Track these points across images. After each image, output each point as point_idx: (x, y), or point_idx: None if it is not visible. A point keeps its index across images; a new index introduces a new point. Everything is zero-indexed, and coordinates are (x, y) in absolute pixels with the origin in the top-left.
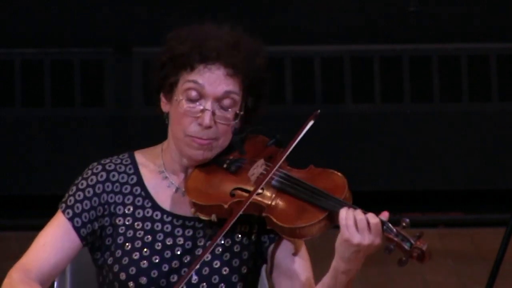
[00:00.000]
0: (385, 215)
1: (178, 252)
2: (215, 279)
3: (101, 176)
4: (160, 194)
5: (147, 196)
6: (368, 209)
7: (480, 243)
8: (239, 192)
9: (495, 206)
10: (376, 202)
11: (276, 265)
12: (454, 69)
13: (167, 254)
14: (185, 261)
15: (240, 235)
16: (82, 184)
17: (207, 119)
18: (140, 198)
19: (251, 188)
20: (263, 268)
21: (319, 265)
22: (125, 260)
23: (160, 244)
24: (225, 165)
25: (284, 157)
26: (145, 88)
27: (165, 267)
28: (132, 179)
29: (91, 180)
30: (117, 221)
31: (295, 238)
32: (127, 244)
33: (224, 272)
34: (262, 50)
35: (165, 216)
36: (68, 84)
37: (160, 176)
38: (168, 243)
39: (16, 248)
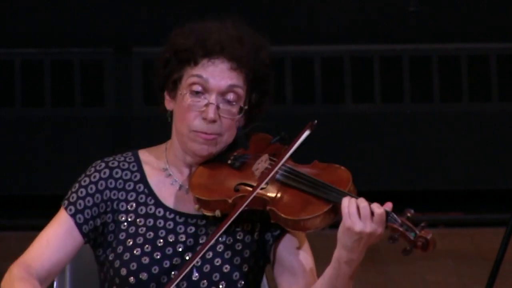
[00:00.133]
0: (388, 206)
1: (180, 249)
2: (216, 276)
3: (104, 173)
4: (163, 191)
5: (150, 193)
6: None
7: (480, 243)
8: (243, 187)
9: (495, 206)
10: (376, 202)
11: (280, 262)
12: (454, 69)
13: (169, 250)
14: (186, 258)
15: (242, 233)
16: (85, 181)
17: (211, 112)
18: (143, 195)
19: (255, 183)
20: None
21: (319, 265)
22: (126, 256)
23: (162, 240)
24: (229, 161)
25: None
26: (145, 88)
27: (166, 264)
28: (135, 176)
29: (94, 177)
30: (119, 217)
31: (299, 231)
32: (128, 240)
33: (225, 270)
34: (266, 45)
35: (167, 213)
36: (68, 84)
37: (163, 173)
38: (170, 240)
39: (16, 248)
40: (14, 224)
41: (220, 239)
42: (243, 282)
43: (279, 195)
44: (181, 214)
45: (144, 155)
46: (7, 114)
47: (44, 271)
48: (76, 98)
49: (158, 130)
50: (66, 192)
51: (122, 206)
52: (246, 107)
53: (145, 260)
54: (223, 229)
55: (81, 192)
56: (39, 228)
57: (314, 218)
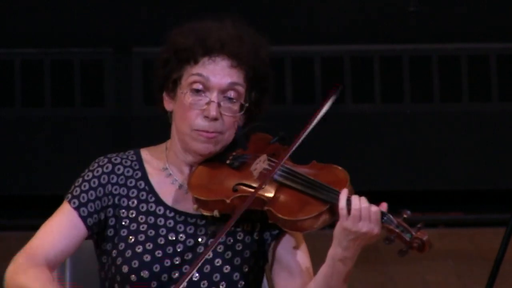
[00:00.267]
0: (383, 206)
1: (179, 249)
2: (216, 277)
3: (107, 167)
4: (164, 190)
5: (151, 190)
6: None
7: (480, 243)
8: (241, 187)
9: (495, 206)
10: (376, 202)
11: (277, 261)
12: (454, 69)
13: (169, 250)
14: (187, 258)
15: (242, 234)
16: (88, 176)
17: (213, 110)
18: (144, 193)
19: (253, 184)
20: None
21: (319, 266)
22: (128, 253)
23: (163, 239)
24: (228, 161)
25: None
26: (145, 88)
27: (167, 262)
28: (137, 174)
29: (97, 171)
30: (120, 213)
31: (296, 231)
32: (130, 237)
33: (226, 270)
34: (266, 45)
35: (167, 211)
36: (68, 84)
37: (164, 173)
38: (171, 238)
39: (16, 248)
40: (14, 224)
41: (220, 239)
42: (243, 283)
43: (276, 195)
44: (181, 213)
45: (145, 154)
46: (7, 114)
47: (48, 261)
48: (76, 98)
49: (158, 130)
50: (66, 192)
51: (124, 201)
52: (247, 104)
53: (147, 258)
54: (224, 233)
55: (84, 186)
56: (39, 228)
57: (311, 219)
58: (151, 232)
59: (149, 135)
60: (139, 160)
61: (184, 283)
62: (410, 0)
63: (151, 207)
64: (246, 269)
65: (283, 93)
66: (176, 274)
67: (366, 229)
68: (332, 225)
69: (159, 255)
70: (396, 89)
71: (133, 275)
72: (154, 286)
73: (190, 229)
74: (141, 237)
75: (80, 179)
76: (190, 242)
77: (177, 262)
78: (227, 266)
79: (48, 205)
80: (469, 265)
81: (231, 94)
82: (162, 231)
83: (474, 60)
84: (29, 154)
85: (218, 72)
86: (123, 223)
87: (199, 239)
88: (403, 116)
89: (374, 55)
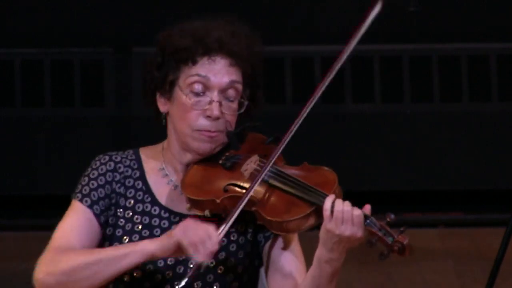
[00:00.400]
0: (367, 209)
1: None
2: (210, 277)
3: (109, 165)
4: (160, 190)
5: (148, 191)
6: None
7: (480, 243)
8: (232, 187)
9: (495, 206)
10: (376, 202)
11: (271, 263)
12: (454, 69)
13: None
14: (180, 258)
15: (236, 234)
16: (93, 174)
17: (215, 110)
18: (141, 193)
19: (244, 184)
20: (262, 270)
21: None
22: None
23: None
24: (220, 161)
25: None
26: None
27: (160, 263)
28: (135, 173)
29: (101, 169)
30: (118, 212)
31: (283, 232)
32: (125, 237)
33: (219, 271)
34: (258, 38)
35: (162, 211)
36: (68, 84)
37: (160, 173)
38: None
39: (16, 248)
40: (14, 224)
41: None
42: (237, 284)
43: (265, 196)
44: (175, 214)
45: (144, 153)
46: (7, 114)
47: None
48: (76, 98)
49: (158, 130)
50: (66, 192)
51: (122, 201)
52: (247, 102)
53: None
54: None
55: (92, 184)
56: (39, 228)
57: (296, 220)
58: (146, 233)
59: (149, 135)
60: (138, 159)
61: (183, 283)
62: (410, 0)
63: (147, 207)
64: (240, 270)
65: (283, 93)
66: (170, 274)
67: (349, 232)
68: None
69: None
70: (396, 89)
71: (126, 276)
72: (148, 286)
73: None
74: (135, 237)
75: (86, 178)
76: None
77: (171, 263)
78: (221, 267)
79: (48, 205)
80: (469, 265)
81: (231, 92)
82: (157, 232)
83: (474, 60)
84: (29, 154)
85: (218, 71)
86: (119, 222)
87: None
88: (403, 116)
89: (374, 55)
